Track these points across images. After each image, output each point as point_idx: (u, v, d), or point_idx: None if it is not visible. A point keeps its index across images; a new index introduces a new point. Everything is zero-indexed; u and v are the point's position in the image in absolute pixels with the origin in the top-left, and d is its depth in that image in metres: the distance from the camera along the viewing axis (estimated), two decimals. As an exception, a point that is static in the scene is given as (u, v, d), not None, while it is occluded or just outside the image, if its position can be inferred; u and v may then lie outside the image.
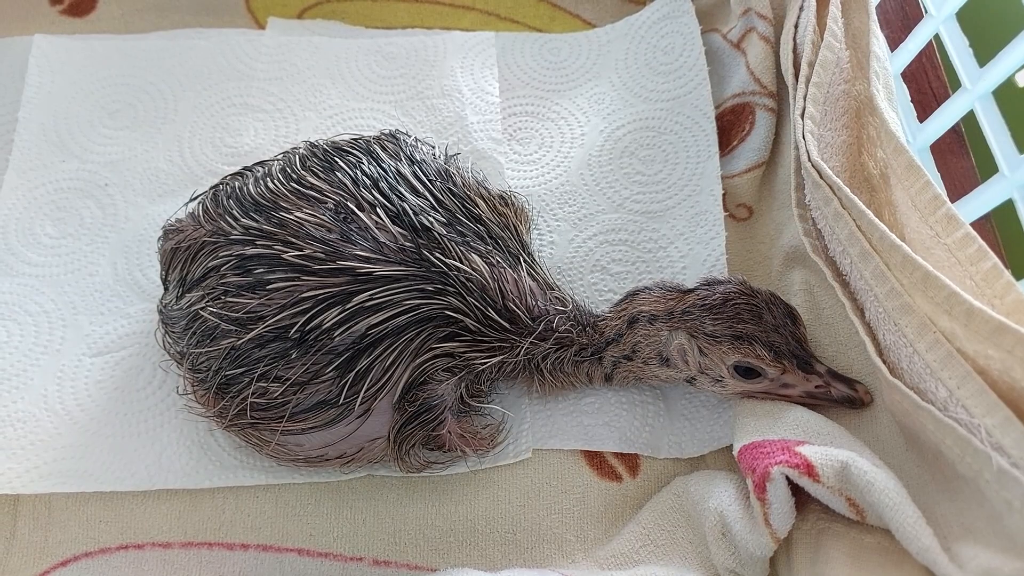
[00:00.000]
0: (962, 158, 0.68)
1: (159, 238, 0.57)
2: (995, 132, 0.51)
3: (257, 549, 0.54)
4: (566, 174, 0.69)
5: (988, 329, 0.38)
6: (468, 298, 0.49)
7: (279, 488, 0.56)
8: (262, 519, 0.55)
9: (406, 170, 0.53)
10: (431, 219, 0.50)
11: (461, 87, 0.73)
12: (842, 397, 0.50)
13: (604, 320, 0.54)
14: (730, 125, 0.68)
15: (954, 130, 0.68)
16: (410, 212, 0.50)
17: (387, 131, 0.58)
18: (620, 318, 0.53)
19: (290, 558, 0.54)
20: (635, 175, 0.67)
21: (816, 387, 0.50)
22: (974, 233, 0.43)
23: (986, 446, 0.37)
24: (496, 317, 0.51)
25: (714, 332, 0.49)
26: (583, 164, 0.69)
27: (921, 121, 0.61)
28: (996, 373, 0.38)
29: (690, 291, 0.52)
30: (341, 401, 0.48)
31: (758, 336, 0.49)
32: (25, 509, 0.55)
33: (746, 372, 0.50)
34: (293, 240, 0.48)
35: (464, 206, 0.53)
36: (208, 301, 0.49)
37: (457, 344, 0.50)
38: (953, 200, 0.56)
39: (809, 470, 0.42)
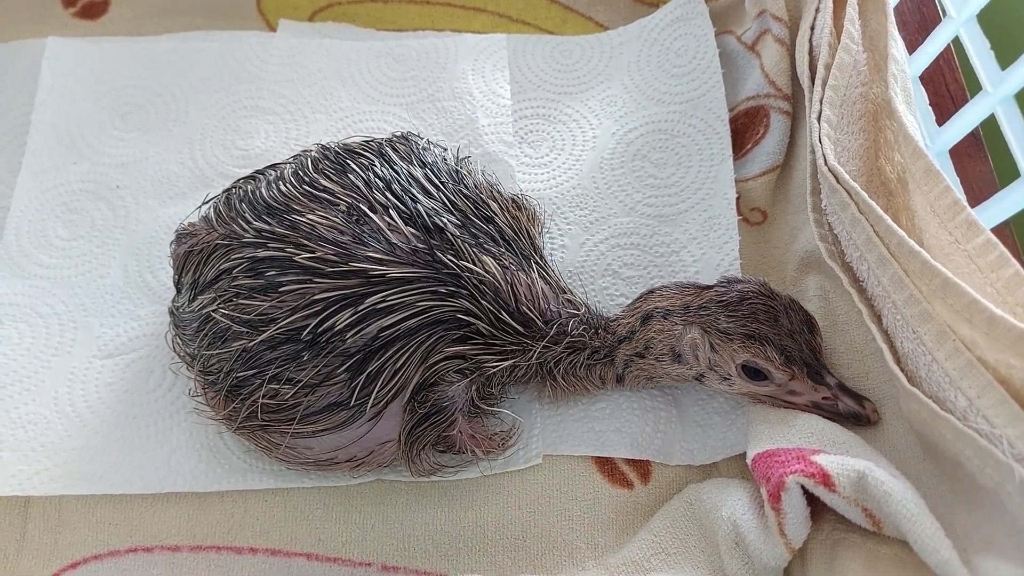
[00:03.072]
0: (980, 162, 0.67)
1: (172, 242, 0.56)
2: (1017, 136, 0.50)
3: (266, 553, 0.54)
4: (578, 177, 0.68)
5: (1011, 338, 0.37)
6: (481, 301, 0.49)
7: (288, 492, 0.55)
8: (271, 523, 0.55)
9: (418, 172, 0.53)
10: (444, 220, 0.50)
11: (472, 90, 0.73)
12: (848, 412, 0.49)
13: (617, 320, 0.54)
14: (744, 128, 0.68)
15: (972, 134, 0.67)
16: (423, 213, 0.50)
17: (399, 133, 0.58)
18: (634, 316, 0.53)
19: (299, 563, 0.53)
20: (647, 178, 0.67)
21: (824, 398, 0.50)
22: (995, 239, 0.42)
23: (1008, 457, 0.36)
24: (509, 320, 0.50)
25: (727, 329, 0.49)
26: (595, 167, 0.68)
27: (940, 125, 0.60)
28: (1019, 383, 0.37)
29: (708, 287, 0.52)
30: (352, 403, 0.48)
31: (771, 338, 0.48)
32: (35, 511, 0.55)
33: (754, 374, 0.50)
34: (305, 242, 0.48)
35: (476, 208, 0.53)
36: (220, 303, 0.49)
37: (469, 347, 0.50)
38: (972, 205, 0.55)
39: (825, 479, 0.42)
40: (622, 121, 0.70)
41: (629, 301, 0.56)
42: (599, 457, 0.57)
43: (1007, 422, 0.37)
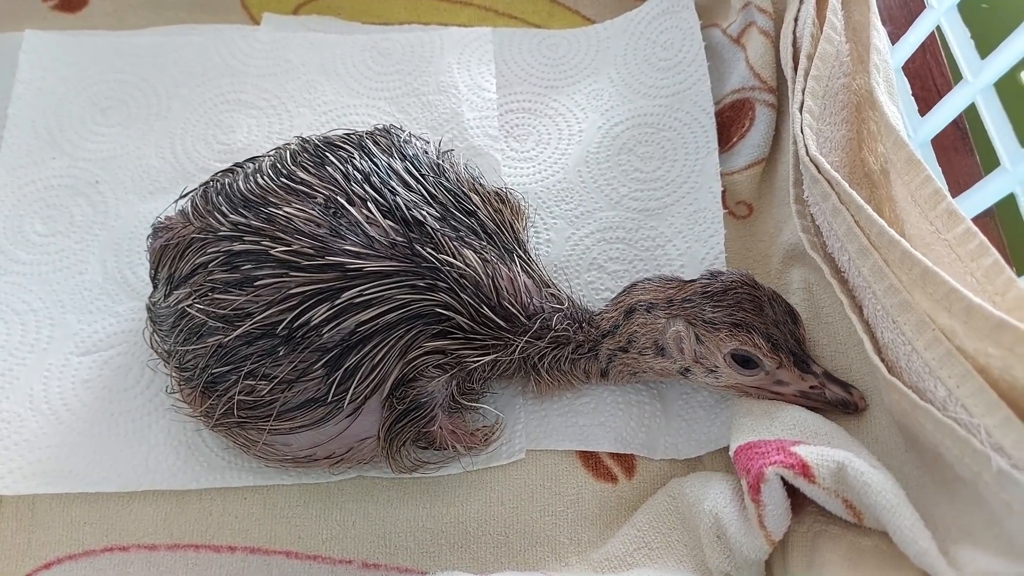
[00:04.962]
0: (966, 155, 0.67)
1: (149, 236, 0.56)
2: (997, 125, 0.50)
3: (244, 551, 0.53)
4: (563, 171, 0.68)
5: (988, 326, 0.37)
6: (461, 295, 0.49)
7: (267, 489, 0.55)
8: (250, 521, 0.54)
9: (398, 165, 0.52)
10: (424, 213, 0.50)
11: (458, 83, 0.72)
12: (836, 400, 0.49)
13: (601, 314, 0.54)
14: (730, 121, 0.68)
15: (958, 127, 0.67)
16: (402, 206, 0.49)
17: (380, 126, 0.58)
18: (617, 310, 0.53)
19: (278, 560, 0.53)
20: (633, 172, 0.67)
21: (811, 387, 0.49)
22: (975, 228, 0.42)
23: (986, 447, 0.36)
24: (490, 315, 0.50)
25: (713, 319, 0.49)
26: (581, 161, 0.68)
27: (923, 115, 0.60)
28: (996, 372, 0.37)
29: (691, 281, 0.52)
30: (330, 399, 0.47)
31: (757, 326, 0.48)
32: (8, 510, 0.54)
33: (743, 362, 0.49)
34: (281, 236, 0.47)
35: (458, 201, 0.53)
36: (195, 298, 0.49)
37: (448, 342, 0.49)
38: (955, 196, 0.55)
39: (804, 470, 0.41)
40: (608, 115, 0.70)
41: (615, 295, 0.55)
42: (583, 452, 0.56)
43: (985, 411, 0.36)
